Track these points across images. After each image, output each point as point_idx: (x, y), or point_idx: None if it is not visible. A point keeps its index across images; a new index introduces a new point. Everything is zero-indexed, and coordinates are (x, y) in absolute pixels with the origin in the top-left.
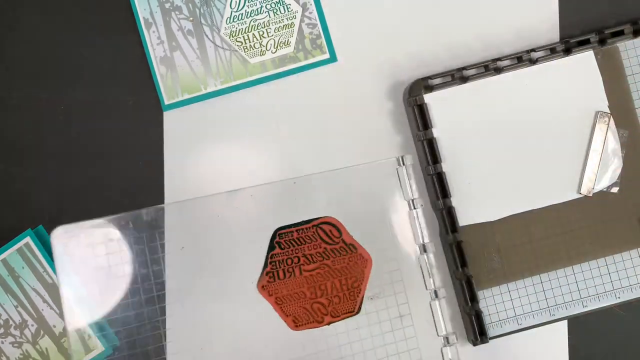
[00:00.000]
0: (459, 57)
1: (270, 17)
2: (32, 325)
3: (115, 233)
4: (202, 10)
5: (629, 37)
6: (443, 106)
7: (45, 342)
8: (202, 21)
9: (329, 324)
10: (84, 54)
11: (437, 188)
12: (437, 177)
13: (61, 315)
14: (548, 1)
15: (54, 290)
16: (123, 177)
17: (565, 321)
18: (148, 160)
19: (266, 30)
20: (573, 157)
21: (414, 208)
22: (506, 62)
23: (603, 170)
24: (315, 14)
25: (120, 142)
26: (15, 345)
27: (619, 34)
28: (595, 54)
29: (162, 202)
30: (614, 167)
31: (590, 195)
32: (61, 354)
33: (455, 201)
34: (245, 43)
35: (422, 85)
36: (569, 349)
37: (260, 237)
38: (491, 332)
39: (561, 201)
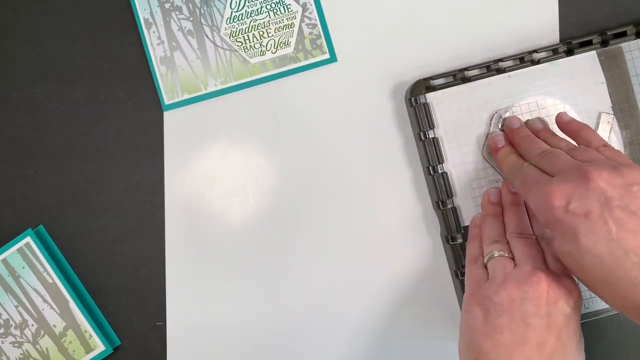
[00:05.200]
0: (461, 57)
1: (270, 17)
2: (33, 325)
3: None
4: (202, 11)
5: (632, 38)
6: (445, 106)
7: (46, 342)
8: (202, 21)
9: None
10: (84, 54)
11: (440, 188)
12: (440, 177)
13: (61, 315)
14: (549, 2)
15: (54, 290)
16: (123, 177)
17: None
18: (148, 160)
19: (266, 30)
20: None
21: None
22: (508, 63)
23: None
24: (315, 14)
25: (120, 142)
26: (16, 345)
27: (622, 35)
28: (598, 55)
29: (162, 202)
30: None
31: None
32: (61, 353)
33: (458, 201)
34: (245, 43)
35: (424, 85)
36: None
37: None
38: None
39: None
